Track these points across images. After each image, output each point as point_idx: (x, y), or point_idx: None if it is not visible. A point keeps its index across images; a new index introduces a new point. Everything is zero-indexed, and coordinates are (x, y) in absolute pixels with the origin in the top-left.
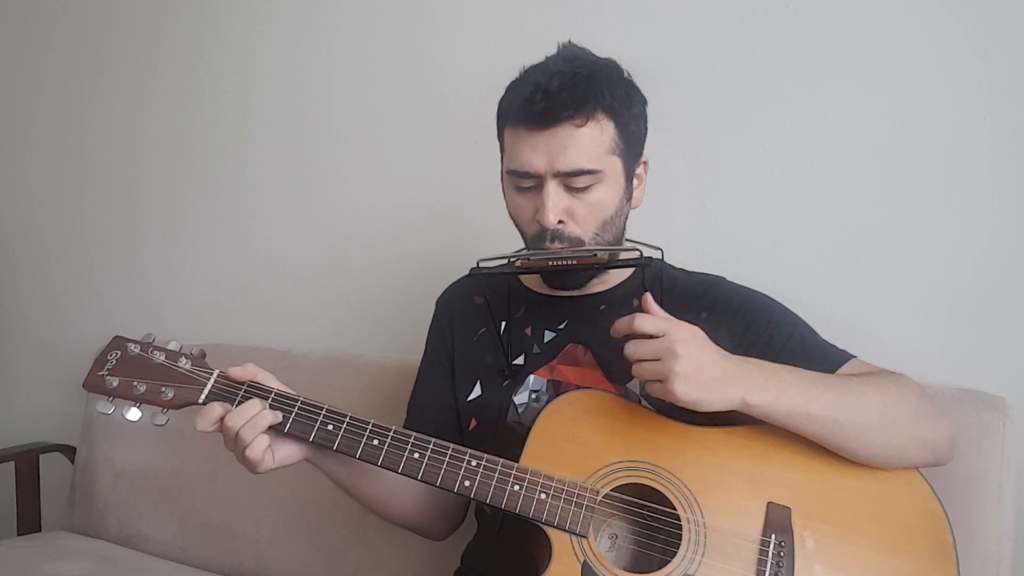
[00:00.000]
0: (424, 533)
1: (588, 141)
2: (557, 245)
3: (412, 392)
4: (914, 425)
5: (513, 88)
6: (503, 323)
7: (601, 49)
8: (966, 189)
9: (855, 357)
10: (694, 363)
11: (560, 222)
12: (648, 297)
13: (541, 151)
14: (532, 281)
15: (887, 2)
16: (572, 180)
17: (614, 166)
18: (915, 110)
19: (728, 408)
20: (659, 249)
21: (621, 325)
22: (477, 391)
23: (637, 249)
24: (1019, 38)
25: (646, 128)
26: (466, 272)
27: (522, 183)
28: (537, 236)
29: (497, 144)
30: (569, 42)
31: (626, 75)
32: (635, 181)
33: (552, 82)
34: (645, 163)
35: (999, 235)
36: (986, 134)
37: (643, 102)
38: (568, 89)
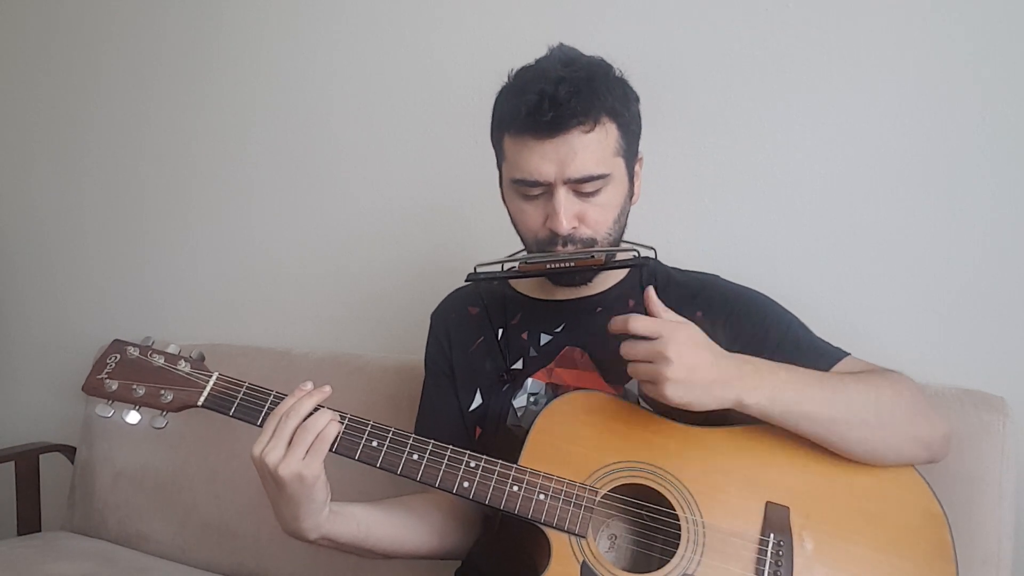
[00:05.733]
0: (452, 555)
1: (596, 146)
2: (570, 248)
3: (419, 411)
4: (909, 422)
5: (511, 95)
6: (500, 329)
7: (601, 49)
8: (965, 189)
9: (849, 355)
10: (686, 367)
11: (572, 227)
12: (650, 291)
13: (550, 159)
14: (527, 287)
15: (886, 3)
16: (582, 186)
17: (619, 167)
18: (914, 110)
19: (723, 408)
20: (652, 248)
21: (617, 323)
22: (478, 400)
23: (633, 250)
24: (1018, 38)
25: (641, 125)
26: (466, 271)
27: (530, 192)
28: (548, 241)
29: None
30: (560, 44)
31: (618, 73)
32: (634, 178)
33: (559, 90)
34: (641, 160)
35: (999, 235)
36: (985, 134)
37: (637, 100)
38: (576, 96)
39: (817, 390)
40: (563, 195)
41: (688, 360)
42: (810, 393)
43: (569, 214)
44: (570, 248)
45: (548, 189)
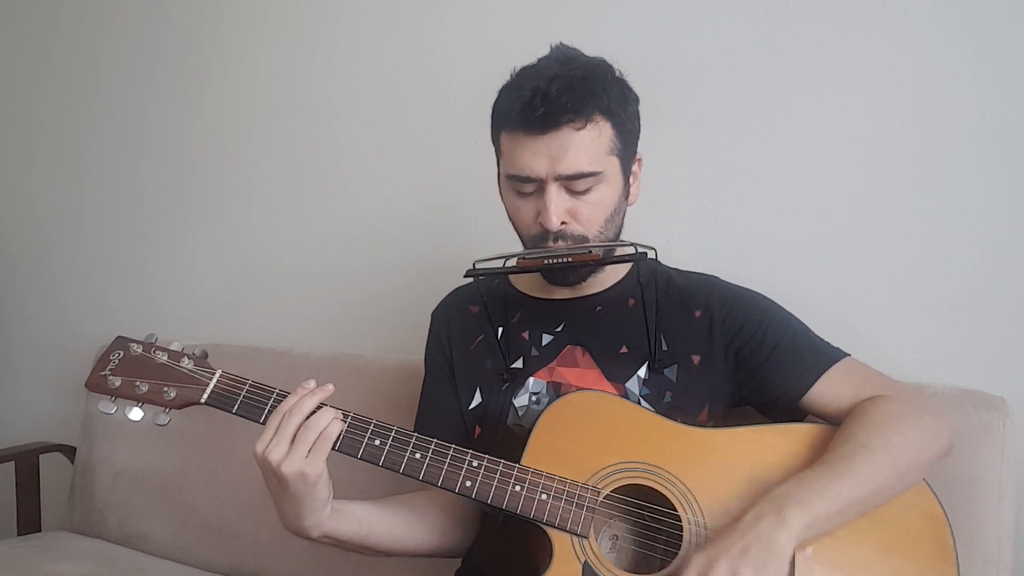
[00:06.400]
0: (453, 552)
1: (588, 143)
2: (561, 244)
3: (418, 409)
4: (921, 455)
5: (508, 92)
6: (500, 328)
7: (602, 49)
8: (965, 189)
9: (849, 355)
10: (739, 557)
11: (563, 223)
12: None
13: (542, 155)
14: (527, 285)
15: (886, 3)
16: (573, 183)
17: (613, 166)
18: (914, 110)
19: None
20: (652, 248)
21: None
22: (478, 398)
23: (632, 246)
24: (1018, 38)
25: (640, 126)
26: (465, 272)
27: (523, 188)
28: (540, 237)
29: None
30: (561, 43)
31: (618, 74)
32: (631, 178)
33: (551, 87)
34: (640, 160)
35: (998, 235)
36: (985, 134)
37: (636, 100)
38: (567, 93)
39: (840, 485)
40: (554, 191)
41: (735, 551)
42: (834, 490)
43: (559, 210)
44: (561, 244)
45: (540, 185)
